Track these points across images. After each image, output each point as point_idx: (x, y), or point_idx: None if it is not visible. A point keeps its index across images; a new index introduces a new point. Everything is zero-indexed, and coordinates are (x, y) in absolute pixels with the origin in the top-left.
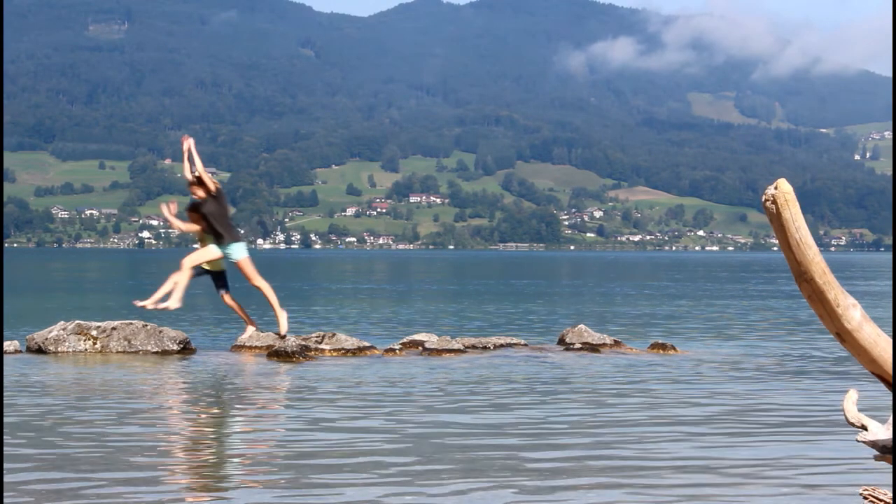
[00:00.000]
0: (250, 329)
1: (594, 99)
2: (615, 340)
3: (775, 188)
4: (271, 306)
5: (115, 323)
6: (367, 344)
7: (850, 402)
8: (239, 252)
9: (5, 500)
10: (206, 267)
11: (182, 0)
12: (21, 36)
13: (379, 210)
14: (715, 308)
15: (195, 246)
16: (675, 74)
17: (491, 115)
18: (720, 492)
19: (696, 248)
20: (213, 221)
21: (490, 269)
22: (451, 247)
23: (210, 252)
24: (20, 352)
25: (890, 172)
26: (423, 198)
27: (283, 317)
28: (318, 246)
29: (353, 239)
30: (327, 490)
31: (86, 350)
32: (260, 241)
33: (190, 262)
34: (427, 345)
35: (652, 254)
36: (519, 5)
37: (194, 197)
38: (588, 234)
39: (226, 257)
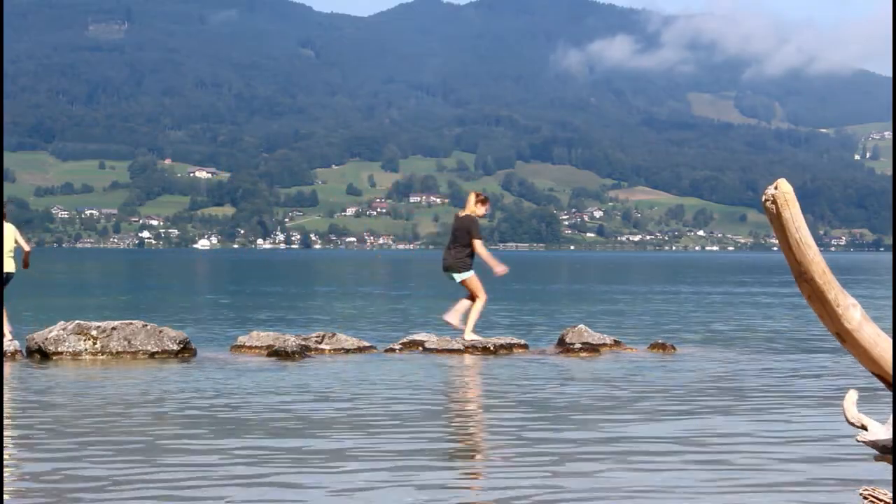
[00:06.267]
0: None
1: (594, 99)
2: (615, 340)
3: (775, 188)
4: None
5: (115, 323)
6: (366, 343)
7: (850, 403)
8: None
9: (5, 501)
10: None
11: (182, 0)
12: (21, 36)
13: (379, 210)
14: (715, 308)
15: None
16: (675, 74)
17: (491, 115)
18: (719, 495)
19: (696, 248)
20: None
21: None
22: None
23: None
24: (20, 352)
25: (890, 172)
26: (423, 198)
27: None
28: (318, 246)
29: (353, 239)
30: (325, 489)
31: (86, 350)
32: (260, 241)
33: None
34: (427, 345)
35: (652, 254)
36: (518, 5)
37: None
38: (588, 234)
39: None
